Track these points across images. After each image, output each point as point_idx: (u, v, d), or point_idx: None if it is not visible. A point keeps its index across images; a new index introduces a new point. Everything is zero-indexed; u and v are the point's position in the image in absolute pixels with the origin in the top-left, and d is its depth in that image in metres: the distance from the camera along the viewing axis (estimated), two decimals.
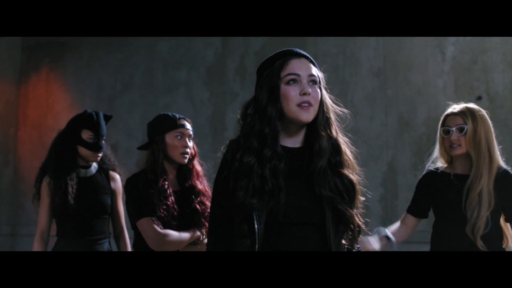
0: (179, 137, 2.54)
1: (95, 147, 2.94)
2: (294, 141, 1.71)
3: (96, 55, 5.34)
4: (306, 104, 1.63)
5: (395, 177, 4.27)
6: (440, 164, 2.66)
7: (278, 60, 1.69)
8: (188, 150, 2.55)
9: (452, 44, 4.23)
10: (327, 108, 1.71)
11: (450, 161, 2.63)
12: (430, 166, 2.71)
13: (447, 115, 2.60)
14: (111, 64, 5.27)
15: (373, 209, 4.13)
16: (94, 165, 3.05)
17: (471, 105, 2.58)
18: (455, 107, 2.60)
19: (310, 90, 1.64)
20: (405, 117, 4.28)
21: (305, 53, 1.73)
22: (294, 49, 1.72)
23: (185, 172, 2.60)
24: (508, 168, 2.56)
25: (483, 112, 2.56)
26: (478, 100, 4.07)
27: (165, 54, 5.10)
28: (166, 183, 2.49)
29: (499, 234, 2.52)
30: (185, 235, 2.44)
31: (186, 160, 2.56)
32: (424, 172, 2.72)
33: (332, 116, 1.72)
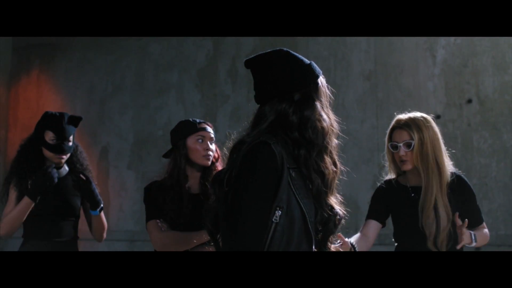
0: (200, 140, 2.56)
1: (57, 149, 2.91)
2: None
3: (87, 57, 5.32)
4: None
5: None
6: (393, 175, 2.64)
7: None
8: (210, 152, 2.57)
9: (443, 47, 4.25)
10: None
11: (402, 172, 2.60)
12: (383, 178, 2.68)
13: (393, 128, 2.54)
14: (102, 66, 5.25)
15: (364, 211, 4.13)
16: (65, 167, 3.02)
17: (416, 116, 2.52)
18: (401, 119, 2.53)
19: None
20: None
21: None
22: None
23: (208, 175, 2.59)
24: (460, 172, 2.55)
25: (429, 118, 2.51)
26: (468, 103, 4.10)
27: (156, 56, 5.09)
28: (184, 187, 2.53)
29: (456, 238, 2.42)
30: (191, 236, 2.45)
31: (209, 162, 2.57)
32: (380, 184, 2.68)
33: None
